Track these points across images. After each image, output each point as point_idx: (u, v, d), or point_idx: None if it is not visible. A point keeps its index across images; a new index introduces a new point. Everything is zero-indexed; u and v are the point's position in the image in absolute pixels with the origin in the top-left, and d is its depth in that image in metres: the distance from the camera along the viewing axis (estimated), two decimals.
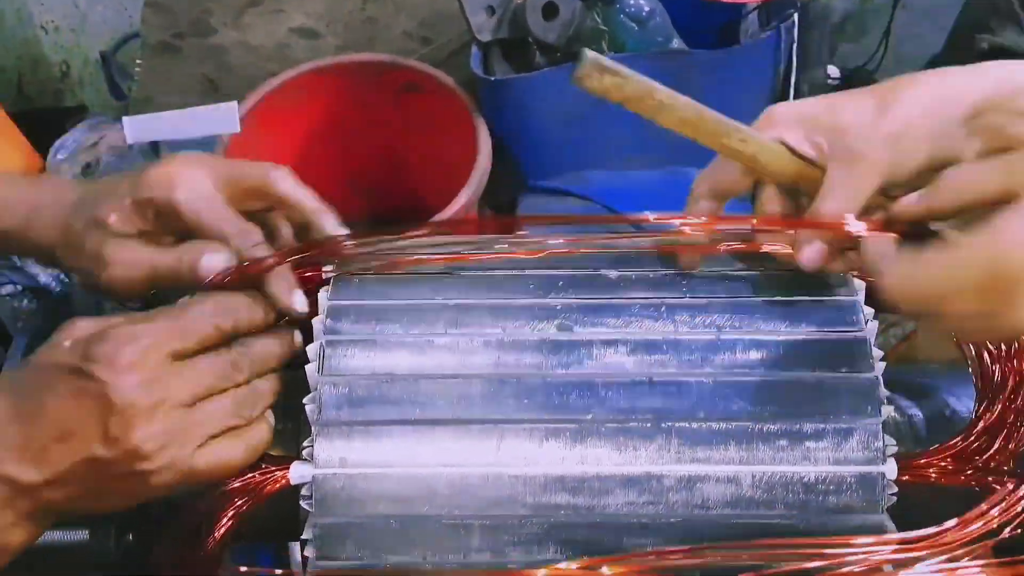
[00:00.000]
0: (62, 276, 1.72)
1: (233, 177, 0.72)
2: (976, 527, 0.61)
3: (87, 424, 0.60)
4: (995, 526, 0.62)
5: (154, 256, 0.72)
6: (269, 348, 0.68)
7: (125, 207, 0.71)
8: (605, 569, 0.63)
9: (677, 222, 0.68)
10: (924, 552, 0.61)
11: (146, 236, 0.73)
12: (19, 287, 1.74)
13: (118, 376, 0.59)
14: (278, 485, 0.66)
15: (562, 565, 0.63)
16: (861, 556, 0.61)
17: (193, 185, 0.71)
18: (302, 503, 0.66)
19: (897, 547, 0.61)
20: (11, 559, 0.62)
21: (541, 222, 0.66)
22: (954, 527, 0.61)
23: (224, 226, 0.70)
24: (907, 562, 0.61)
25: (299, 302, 0.70)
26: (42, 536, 0.68)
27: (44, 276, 1.73)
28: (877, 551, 0.61)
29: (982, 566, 0.60)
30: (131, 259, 0.72)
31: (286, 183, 0.73)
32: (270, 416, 0.68)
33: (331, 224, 0.73)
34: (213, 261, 0.69)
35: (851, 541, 0.61)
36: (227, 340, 0.66)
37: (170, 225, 0.72)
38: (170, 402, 0.61)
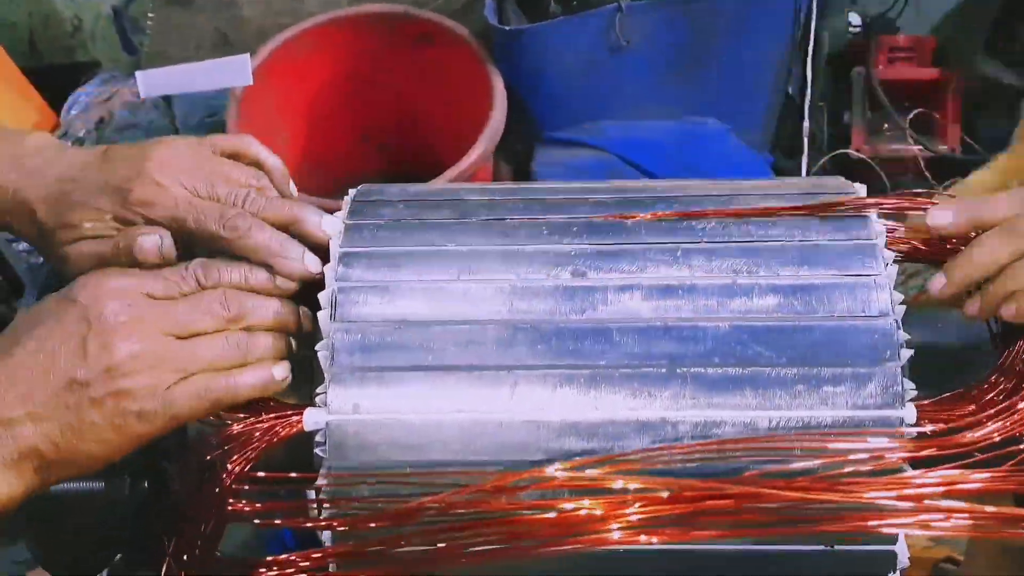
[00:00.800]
0: None
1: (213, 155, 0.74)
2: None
3: (68, 343, 0.61)
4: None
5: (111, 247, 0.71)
6: (269, 304, 0.68)
7: (105, 222, 0.70)
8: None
9: None
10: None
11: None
12: None
13: (98, 300, 0.62)
14: (293, 431, 0.66)
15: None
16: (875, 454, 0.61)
17: (171, 198, 0.70)
18: (316, 449, 0.66)
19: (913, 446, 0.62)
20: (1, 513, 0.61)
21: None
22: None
23: (208, 224, 0.69)
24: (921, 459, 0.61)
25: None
26: (57, 485, 0.69)
27: None
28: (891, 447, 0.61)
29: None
30: (93, 253, 0.71)
31: (257, 146, 0.76)
32: (279, 370, 0.67)
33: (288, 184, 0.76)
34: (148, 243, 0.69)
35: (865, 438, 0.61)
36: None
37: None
38: (150, 326, 0.62)
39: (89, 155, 0.73)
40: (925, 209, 0.69)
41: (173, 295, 0.65)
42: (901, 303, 0.66)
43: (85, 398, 0.61)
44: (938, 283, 0.68)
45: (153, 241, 0.68)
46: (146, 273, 0.66)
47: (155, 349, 0.62)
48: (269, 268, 0.69)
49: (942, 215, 0.68)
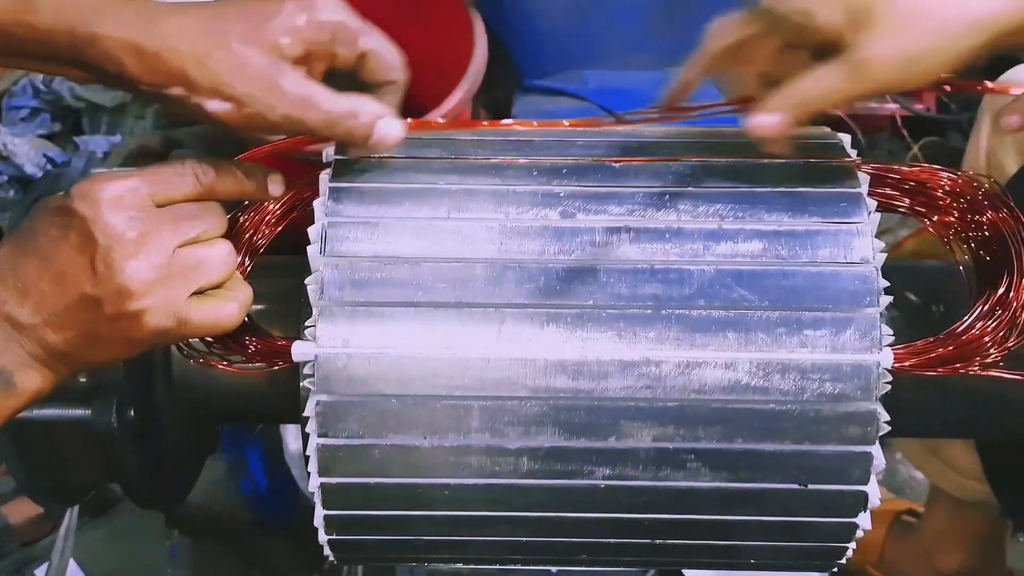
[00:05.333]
0: (47, 165, 1.70)
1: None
2: None
3: (75, 261, 0.60)
4: None
5: (331, 101, 0.66)
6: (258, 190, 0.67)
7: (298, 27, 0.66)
8: None
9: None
10: None
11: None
12: (5, 177, 1.72)
13: (99, 212, 0.60)
14: (281, 364, 0.67)
15: None
16: None
17: None
18: (303, 382, 0.66)
19: None
20: (27, 403, 0.62)
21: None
22: None
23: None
24: None
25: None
26: (44, 412, 0.69)
27: (30, 166, 1.71)
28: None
29: None
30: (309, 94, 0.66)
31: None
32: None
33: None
34: (390, 128, 0.68)
35: None
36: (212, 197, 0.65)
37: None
38: (155, 240, 0.61)
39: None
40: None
41: (176, 198, 0.63)
42: (882, 251, 0.67)
43: (100, 315, 0.61)
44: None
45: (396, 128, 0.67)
46: (144, 175, 0.63)
47: (163, 264, 0.61)
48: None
49: (765, 120, 0.66)
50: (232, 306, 0.64)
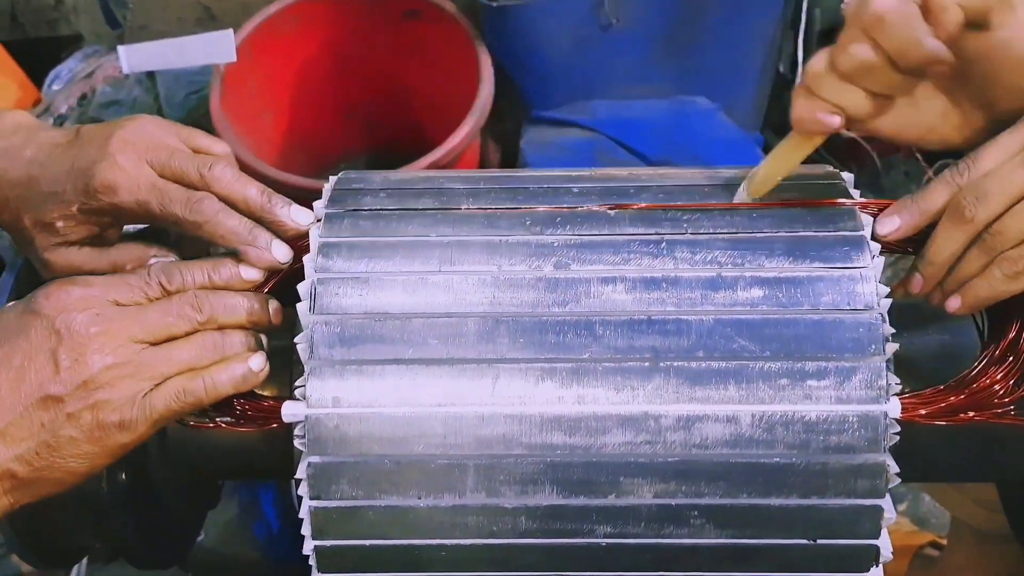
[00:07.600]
0: None
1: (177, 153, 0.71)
2: None
3: (35, 359, 0.59)
4: None
5: (92, 260, 0.71)
6: (240, 302, 0.66)
7: (72, 214, 0.69)
8: None
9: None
10: None
11: (90, 239, 0.71)
12: None
13: (65, 311, 0.60)
14: (271, 424, 0.66)
15: None
16: None
17: (134, 181, 0.68)
18: (295, 442, 0.65)
19: None
20: None
21: None
22: None
23: (173, 208, 0.68)
24: None
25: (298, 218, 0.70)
26: None
27: None
28: None
29: None
30: (71, 265, 0.71)
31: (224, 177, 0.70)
32: (256, 362, 0.65)
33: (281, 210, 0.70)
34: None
35: None
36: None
37: (118, 221, 0.71)
38: (122, 335, 0.60)
39: (61, 136, 0.71)
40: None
41: (140, 301, 0.63)
42: (887, 296, 0.65)
43: (61, 414, 0.59)
44: (917, 284, 0.67)
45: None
46: (110, 281, 0.63)
47: (130, 358, 0.60)
48: (235, 256, 0.68)
49: (889, 223, 0.67)
50: (198, 392, 0.62)
